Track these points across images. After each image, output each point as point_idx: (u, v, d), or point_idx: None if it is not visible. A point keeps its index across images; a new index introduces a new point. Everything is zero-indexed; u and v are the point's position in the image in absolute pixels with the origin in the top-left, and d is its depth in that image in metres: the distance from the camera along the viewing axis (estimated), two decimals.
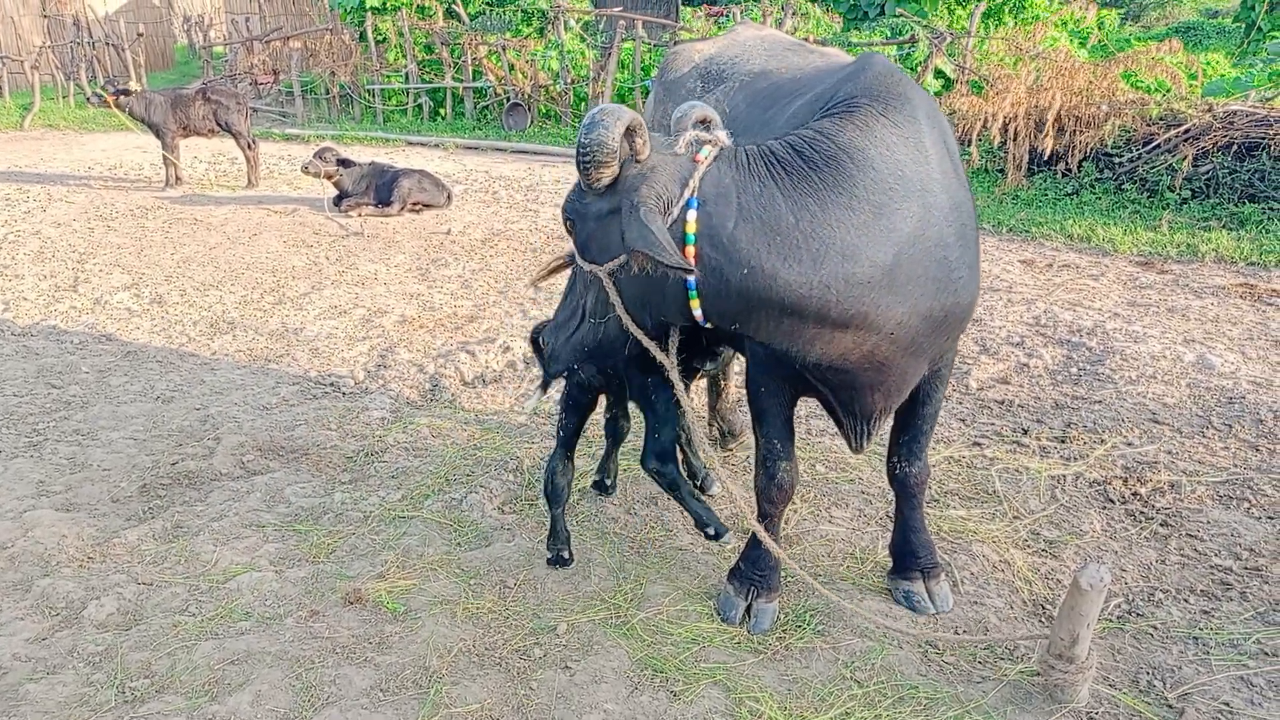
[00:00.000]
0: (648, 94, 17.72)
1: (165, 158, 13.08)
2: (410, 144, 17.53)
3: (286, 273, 9.19)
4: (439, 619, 3.80)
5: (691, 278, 2.96)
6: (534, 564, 4.20)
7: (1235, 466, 5.17)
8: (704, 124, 3.15)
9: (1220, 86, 11.14)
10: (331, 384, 6.41)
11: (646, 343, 3.29)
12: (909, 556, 3.96)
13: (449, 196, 12.14)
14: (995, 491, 4.90)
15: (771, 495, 3.65)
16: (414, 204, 11.77)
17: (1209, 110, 10.57)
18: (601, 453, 4.86)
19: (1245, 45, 17.70)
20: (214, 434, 5.54)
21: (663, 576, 4.14)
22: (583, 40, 18.74)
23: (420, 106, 19.72)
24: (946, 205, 3.01)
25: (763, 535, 3.58)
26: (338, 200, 11.76)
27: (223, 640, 3.68)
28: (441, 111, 19.62)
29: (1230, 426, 5.67)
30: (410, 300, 8.32)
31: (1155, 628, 3.82)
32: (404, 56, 19.93)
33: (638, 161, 2.98)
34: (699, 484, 4.87)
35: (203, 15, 27.11)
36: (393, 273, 9.23)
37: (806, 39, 15.44)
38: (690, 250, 2.94)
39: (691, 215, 2.93)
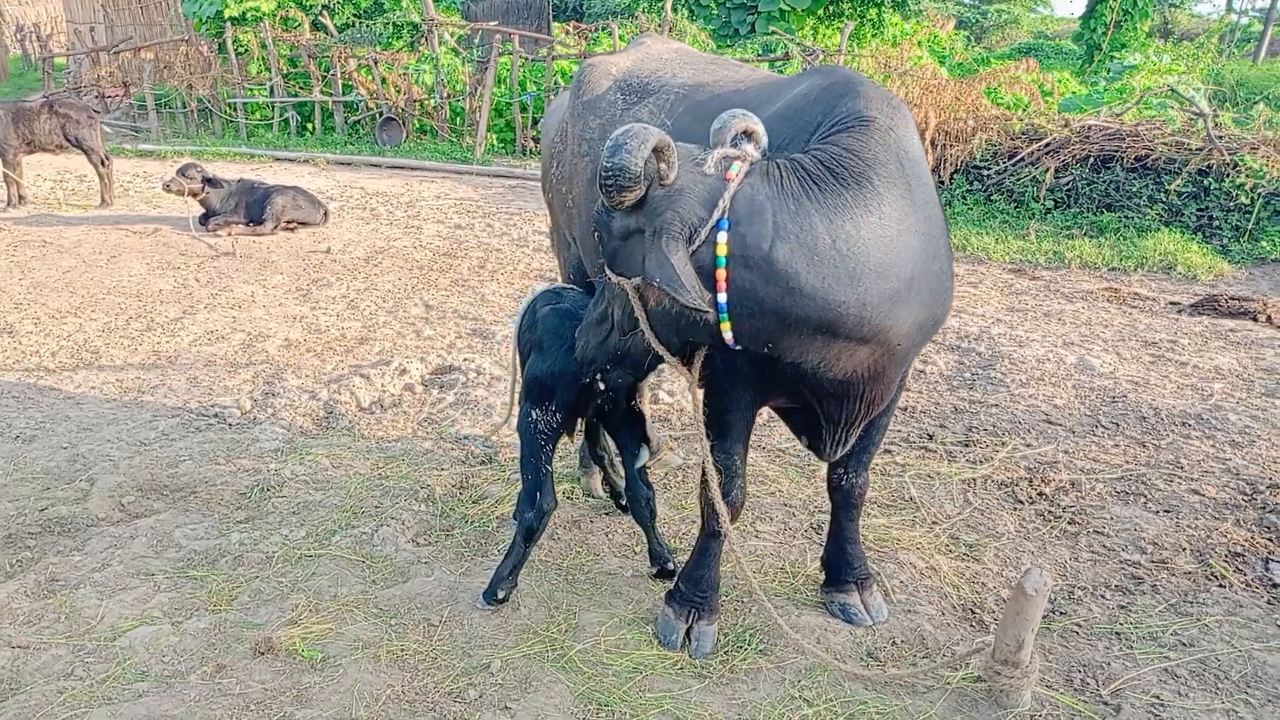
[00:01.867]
0: (524, 109, 17.66)
1: (6, 175, 12.08)
2: (277, 160, 16.80)
3: (153, 297, 8.58)
4: (361, 665, 3.54)
5: (723, 298, 2.86)
6: (458, 599, 3.98)
7: (1127, 463, 5.40)
8: (746, 135, 3.02)
9: (1075, 103, 11.84)
10: (215, 415, 5.98)
11: (670, 360, 3.21)
12: (844, 568, 3.94)
13: (325, 214, 11.65)
14: (912, 498, 4.97)
15: (724, 513, 3.56)
16: (288, 222, 11.24)
17: (1066, 125, 11.20)
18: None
19: (1094, 64, 18.92)
20: (86, 474, 5.07)
21: (595, 604, 3.99)
22: (456, 54, 18.41)
23: (287, 121, 18.95)
24: (938, 215, 3.03)
25: (741, 558, 3.48)
26: (204, 219, 11.11)
27: (118, 705, 3.31)
28: (310, 126, 18.90)
29: (1118, 425, 5.94)
30: (293, 323, 7.89)
31: (1079, 625, 3.92)
32: (267, 69, 19.12)
33: (664, 184, 2.86)
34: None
35: (38, 24, 25.33)
36: (271, 294, 8.76)
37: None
38: (721, 273, 2.83)
39: (722, 238, 2.81)
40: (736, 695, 3.44)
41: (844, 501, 3.87)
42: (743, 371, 3.37)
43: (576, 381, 3.76)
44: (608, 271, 3.13)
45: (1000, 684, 3.29)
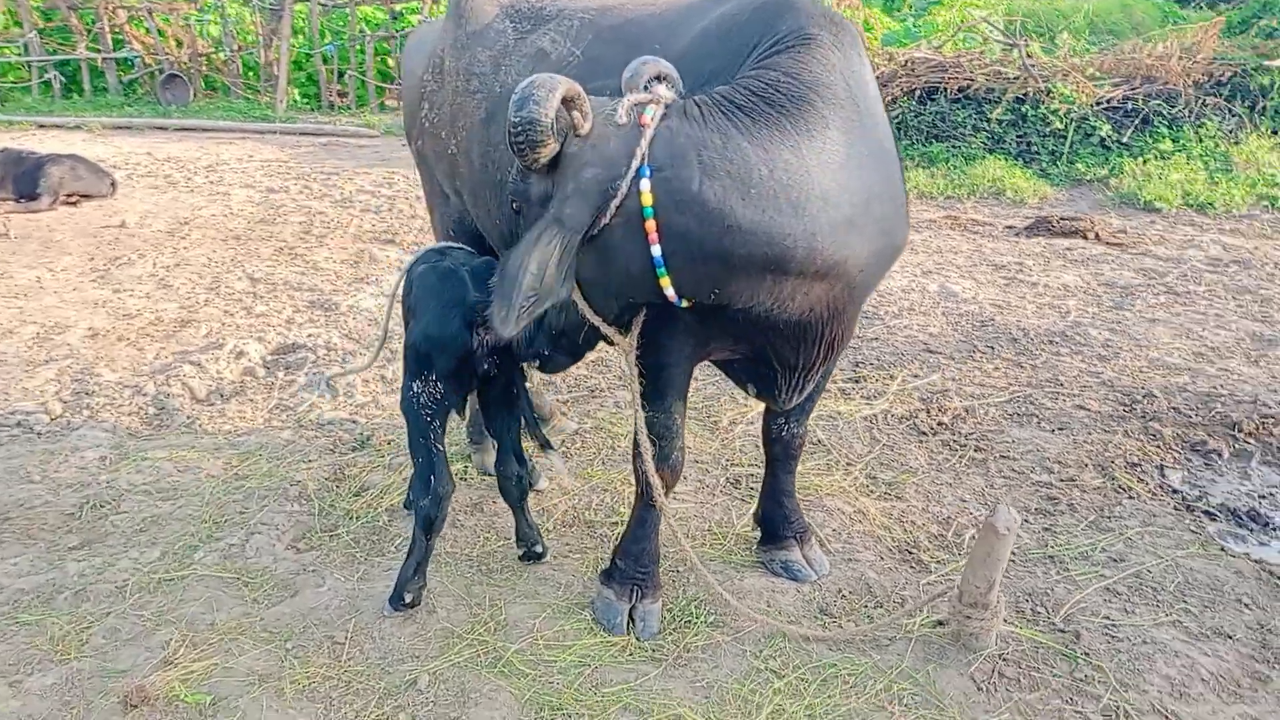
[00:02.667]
0: (327, 60, 16.37)
1: None
2: (41, 127, 14.85)
3: None
4: (262, 703, 3.00)
5: (657, 250, 2.59)
6: (360, 609, 3.48)
7: (1011, 385, 5.48)
8: (659, 79, 2.74)
9: (895, 36, 12.05)
10: (18, 423, 5.06)
11: (608, 330, 2.90)
12: (782, 524, 3.72)
13: (112, 184, 10.34)
14: (820, 440, 4.81)
15: (665, 478, 3.23)
16: (69, 195, 9.88)
17: (890, 59, 11.39)
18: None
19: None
20: None
21: (520, 595, 3.58)
22: (246, 3, 16.79)
23: (49, 83, 16.76)
24: (889, 138, 2.83)
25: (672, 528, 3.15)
26: None
27: None
28: (77, 87, 16.81)
29: (993, 348, 6.03)
30: (95, 309, 6.87)
31: (1014, 554, 3.87)
32: (17, 24, 16.80)
33: (579, 136, 2.57)
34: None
35: None
36: (61, 278, 7.61)
37: None
38: (651, 224, 2.57)
39: (645, 185, 2.55)
40: (699, 676, 3.15)
41: (783, 454, 3.63)
42: (682, 322, 3.04)
43: (456, 347, 3.31)
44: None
45: (970, 627, 3.16)
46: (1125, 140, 10.43)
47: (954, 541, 3.96)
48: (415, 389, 3.40)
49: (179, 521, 4.06)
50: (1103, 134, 10.43)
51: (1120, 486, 4.36)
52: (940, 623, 3.36)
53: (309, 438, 4.88)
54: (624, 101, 2.60)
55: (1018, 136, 10.75)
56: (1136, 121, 10.50)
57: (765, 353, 3.09)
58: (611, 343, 3.06)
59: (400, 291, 3.75)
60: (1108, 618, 3.45)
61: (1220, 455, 4.69)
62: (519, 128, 2.44)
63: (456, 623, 3.41)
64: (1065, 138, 10.45)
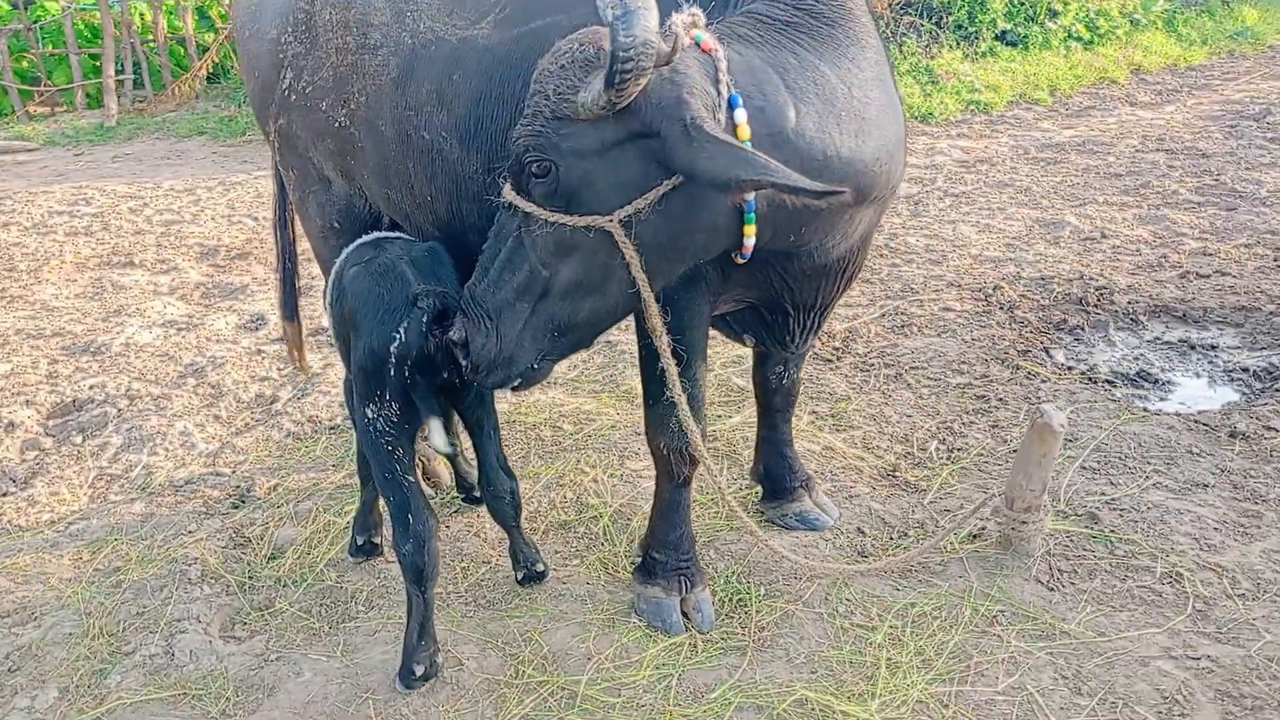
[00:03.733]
0: None
1: None
2: None
3: None
4: None
5: (752, 197, 2.24)
6: (368, 685, 2.86)
7: (875, 300, 5.64)
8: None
9: None
10: None
11: (654, 310, 2.46)
12: (787, 475, 3.54)
13: None
14: (740, 387, 4.66)
15: (694, 453, 2.89)
16: None
17: None
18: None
19: None
20: None
21: (549, 620, 3.12)
22: None
23: None
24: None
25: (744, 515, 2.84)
26: None
27: None
28: None
29: None
30: None
31: (983, 456, 3.97)
32: None
33: (669, 65, 2.15)
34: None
35: None
36: None
37: None
38: None
39: (741, 117, 2.20)
40: (793, 651, 2.91)
41: (783, 403, 3.43)
42: (704, 279, 2.73)
43: (408, 358, 2.77)
44: (548, 215, 2.28)
45: (1024, 533, 3.17)
46: None
47: (924, 457, 3.98)
48: (369, 415, 2.82)
49: (60, 646, 3.13)
50: None
51: (1028, 374, 4.61)
52: (974, 535, 3.36)
53: (170, 505, 3.97)
54: (676, 19, 2.21)
55: None
56: None
57: (782, 297, 2.87)
58: (642, 321, 2.66)
59: (329, 300, 3.08)
60: (1103, 494, 3.62)
61: (1083, 329, 5.12)
62: (630, 51, 1.98)
63: (495, 670, 2.90)
64: None
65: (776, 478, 3.55)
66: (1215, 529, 3.35)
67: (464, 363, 2.45)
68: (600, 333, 2.66)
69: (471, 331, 2.38)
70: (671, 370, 2.71)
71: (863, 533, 3.50)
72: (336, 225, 3.48)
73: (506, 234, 2.39)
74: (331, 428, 4.52)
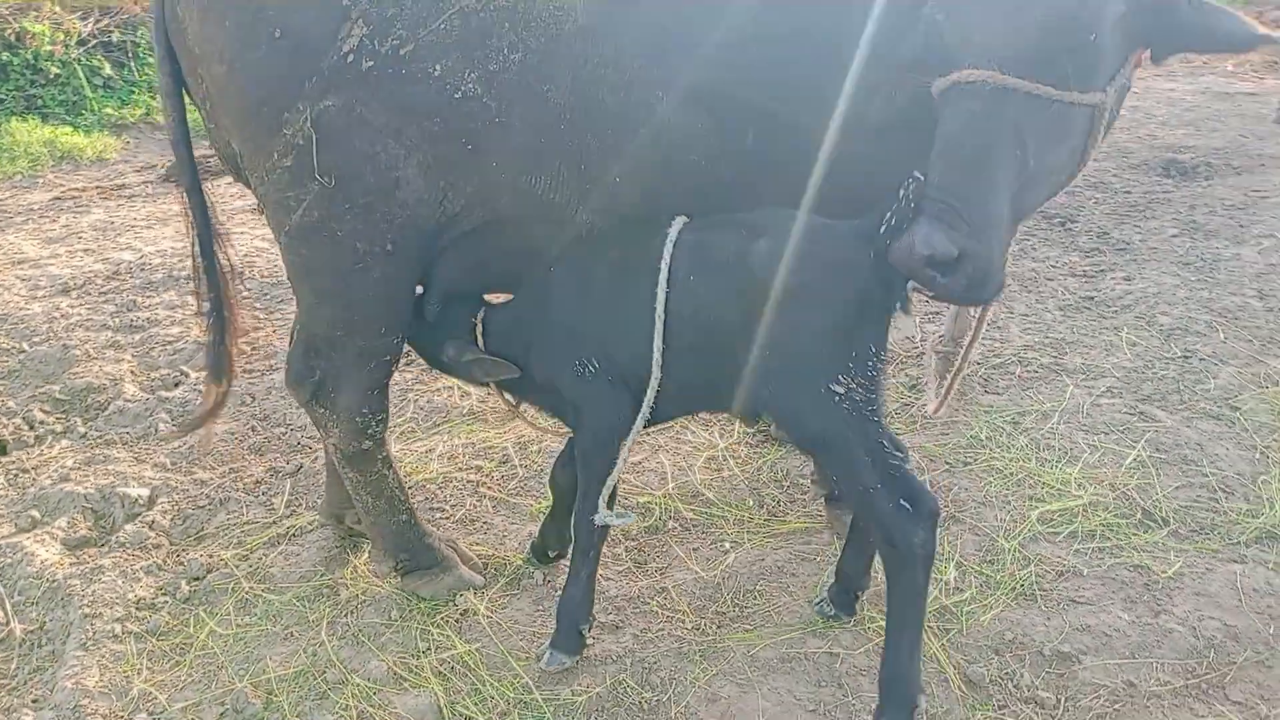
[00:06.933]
0: None
1: None
2: None
3: None
4: None
5: None
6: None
7: None
8: None
9: None
10: None
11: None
12: None
13: None
14: None
15: None
16: None
17: None
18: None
19: None
20: None
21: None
22: None
23: None
24: None
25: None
26: None
27: None
28: None
29: None
30: None
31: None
32: None
33: None
34: None
35: None
36: None
37: None
38: None
39: None
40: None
41: None
42: None
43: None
44: (1062, 95, 2.20)
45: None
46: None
47: None
48: (840, 392, 2.48)
49: None
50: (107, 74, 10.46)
51: None
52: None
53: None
54: None
55: (14, 90, 10.02)
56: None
57: None
58: None
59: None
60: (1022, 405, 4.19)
61: None
62: None
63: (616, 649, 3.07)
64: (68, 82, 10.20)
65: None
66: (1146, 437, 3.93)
67: (945, 282, 2.23)
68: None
69: (965, 240, 2.20)
70: None
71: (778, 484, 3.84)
72: (390, 248, 2.74)
73: (955, 133, 2.25)
74: None
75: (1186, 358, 4.68)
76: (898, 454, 2.55)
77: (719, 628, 3.13)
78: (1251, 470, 3.79)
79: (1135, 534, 3.46)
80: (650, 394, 2.73)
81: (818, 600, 3.16)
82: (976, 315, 3.08)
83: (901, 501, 2.49)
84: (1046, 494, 3.70)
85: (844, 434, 2.49)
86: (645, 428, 2.82)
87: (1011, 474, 3.82)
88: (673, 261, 2.64)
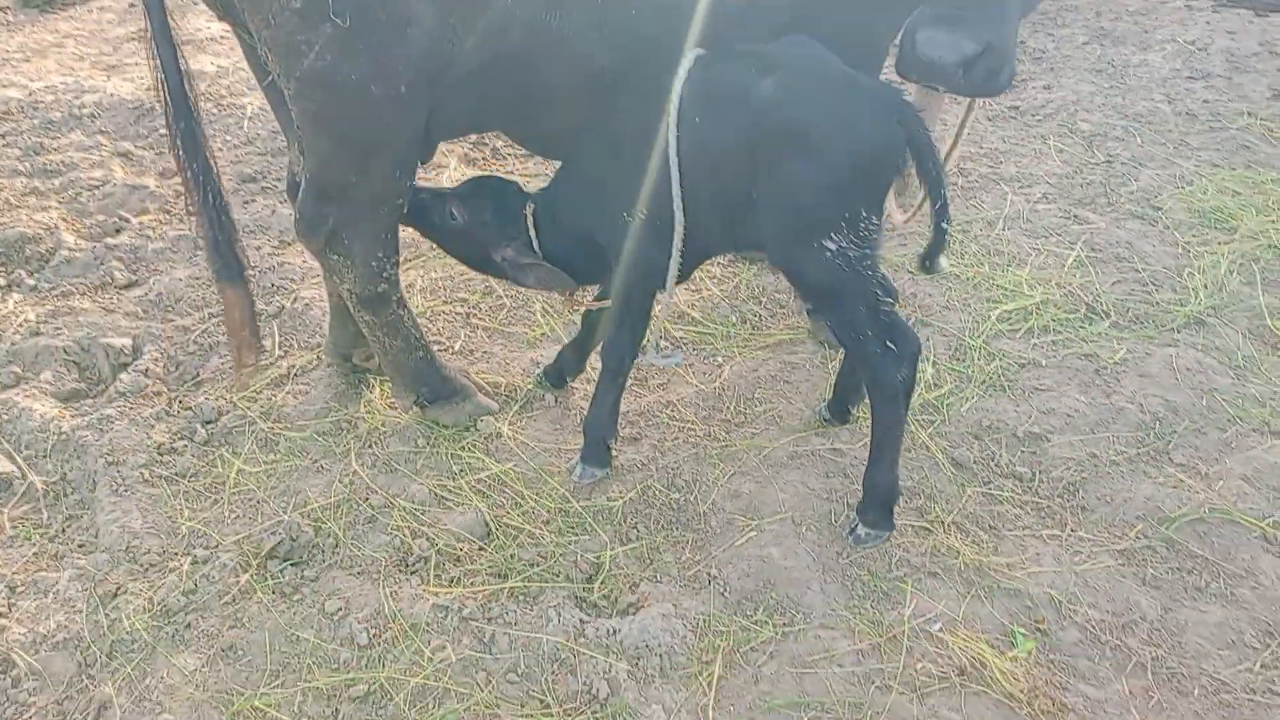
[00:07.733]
0: None
1: None
2: None
3: None
4: None
5: None
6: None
7: None
8: None
9: None
10: None
11: None
12: None
13: None
14: None
15: None
16: None
17: None
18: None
19: None
20: None
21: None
22: None
23: None
24: None
25: None
26: None
27: None
28: None
29: None
30: None
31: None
32: None
33: None
34: None
35: None
36: None
37: None
38: None
39: None
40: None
41: None
42: None
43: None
44: None
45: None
46: None
47: None
48: (838, 245, 2.54)
49: None
50: None
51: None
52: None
53: None
54: None
55: None
56: None
57: None
58: None
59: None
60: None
61: None
62: None
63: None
64: None
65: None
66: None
67: (967, 77, 2.37)
68: None
69: (984, 36, 2.35)
70: None
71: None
72: (404, 89, 2.68)
73: None
74: None
75: (1109, 162, 5.06)
76: (887, 300, 2.69)
77: (728, 433, 3.41)
78: (1176, 264, 4.23)
79: (1082, 326, 3.88)
80: (677, 237, 2.79)
81: (818, 409, 3.46)
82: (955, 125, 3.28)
83: (888, 343, 2.66)
84: (1002, 295, 4.06)
85: (841, 287, 2.61)
86: (678, 280, 2.92)
87: (969, 279, 4.16)
88: (682, 101, 2.64)
